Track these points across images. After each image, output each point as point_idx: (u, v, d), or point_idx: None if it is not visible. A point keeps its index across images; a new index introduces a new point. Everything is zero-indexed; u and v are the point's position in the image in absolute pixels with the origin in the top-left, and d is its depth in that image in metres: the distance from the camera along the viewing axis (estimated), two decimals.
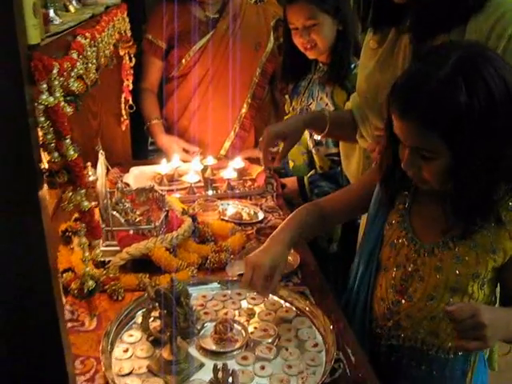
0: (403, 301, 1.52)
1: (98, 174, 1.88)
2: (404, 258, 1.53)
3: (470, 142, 1.25)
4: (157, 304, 1.40)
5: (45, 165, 0.97)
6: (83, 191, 1.03)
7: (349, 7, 2.43)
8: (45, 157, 0.99)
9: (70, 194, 1.02)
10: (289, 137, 1.99)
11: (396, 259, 1.55)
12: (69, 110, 1.04)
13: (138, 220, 1.92)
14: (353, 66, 2.41)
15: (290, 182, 2.54)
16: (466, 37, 1.50)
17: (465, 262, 1.42)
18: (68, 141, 0.98)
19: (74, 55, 1.22)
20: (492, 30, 1.46)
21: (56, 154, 0.98)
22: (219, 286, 1.75)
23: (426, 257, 1.48)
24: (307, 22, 2.32)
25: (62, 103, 1.01)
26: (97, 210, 2.01)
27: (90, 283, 1.14)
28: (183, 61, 2.82)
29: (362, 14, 1.76)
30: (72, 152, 0.98)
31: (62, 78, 1.06)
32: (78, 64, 1.23)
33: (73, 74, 1.16)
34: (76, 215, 1.93)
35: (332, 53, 2.41)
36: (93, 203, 2.12)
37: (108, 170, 2.03)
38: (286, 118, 2.66)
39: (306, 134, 2.48)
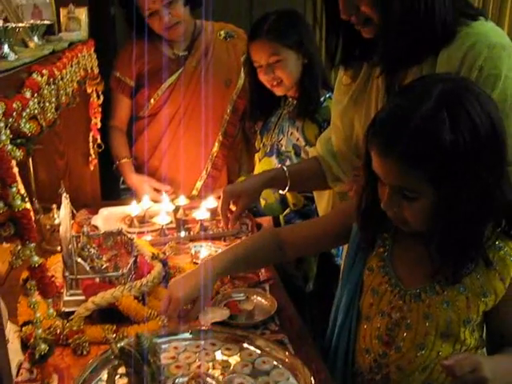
0: (391, 352, 1.42)
1: (61, 218, 1.77)
2: (388, 306, 1.43)
3: (456, 180, 1.19)
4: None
5: None
6: (33, 245, 0.92)
7: (312, 39, 2.40)
8: None
9: (19, 248, 0.91)
10: (243, 197, 2.01)
11: (379, 307, 1.45)
12: (18, 154, 0.94)
13: (104, 267, 1.81)
14: (322, 98, 2.37)
15: (266, 221, 2.45)
16: (437, 68, 1.46)
17: (455, 307, 1.33)
18: (14, 189, 0.87)
19: (27, 94, 1.12)
20: (463, 62, 1.42)
21: (1, 205, 0.87)
22: (191, 336, 1.64)
23: (413, 303, 1.39)
24: (270, 59, 2.29)
25: (9, 147, 0.91)
26: (53, 261, 1.91)
27: (43, 347, 1.03)
28: (152, 100, 2.75)
29: (330, 51, 1.70)
30: (19, 202, 0.88)
31: (10, 119, 0.97)
32: (32, 103, 1.12)
33: (24, 114, 1.06)
34: None
35: (299, 87, 2.37)
36: (59, 248, 2.08)
37: (73, 213, 1.94)
38: (256, 155, 2.63)
39: None
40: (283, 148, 2.44)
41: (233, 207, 2.09)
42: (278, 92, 2.39)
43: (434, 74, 1.43)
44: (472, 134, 1.17)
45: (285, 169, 2.03)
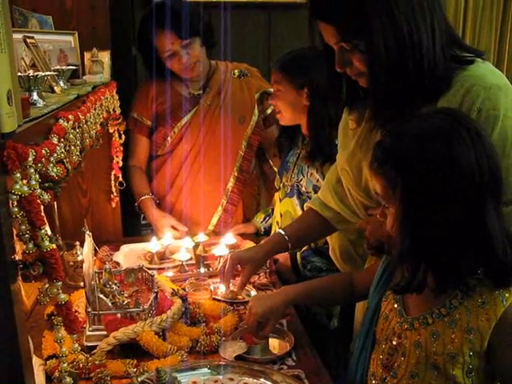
0: (389, 377, 1.44)
1: (84, 255, 1.83)
2: (391, 332, 1.46)
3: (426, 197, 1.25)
4: None
5: (19, 256, 0.92)
6: (60, 283, 0.97)
7: (320, 86, 2.33)
8: (19, 248, 0.95)
9: (46, 286, 0.97)
10: (249, 266, 2.10)
11: (386, 332, 1.48)
12: (46, 197, 1.00)
13: (126, 302, 1.86)
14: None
15: (283, 257, 2.48)
16: None
17: (440, 339, 1.34)
18: (43, 231, 0.93)
19: (55, 139, 1.19)
20: (461, 105, 1.45)
21: (31, 245, 0.93)
22: (210, 371, 1.67)
23: (407, 331, 1.41)
24: (274, 87, 2.43)
25: (39, 191, 0.97)
26: (76, 297, 1.95)
27: (68, 380, 1.07)
28: (168, 138, 2.81)
29: (333, 95, 1.75)
30: (47, 243, 0.94)
31: (39, 165, 1.03)
32: (58, 148, 1.19)
33: (52, 159, 1.13)
34: None
35: (309, 129, 2.41)
36: (81, 283, 2.13)
37: (96, 250, 1.99)
38: (276, 194, 2.68)
39: (299, 210, 2.47)
40: (303, 189, 2.46)
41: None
42: (280, 121, 2.50)
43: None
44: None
45: (282, 232, 2.11)
